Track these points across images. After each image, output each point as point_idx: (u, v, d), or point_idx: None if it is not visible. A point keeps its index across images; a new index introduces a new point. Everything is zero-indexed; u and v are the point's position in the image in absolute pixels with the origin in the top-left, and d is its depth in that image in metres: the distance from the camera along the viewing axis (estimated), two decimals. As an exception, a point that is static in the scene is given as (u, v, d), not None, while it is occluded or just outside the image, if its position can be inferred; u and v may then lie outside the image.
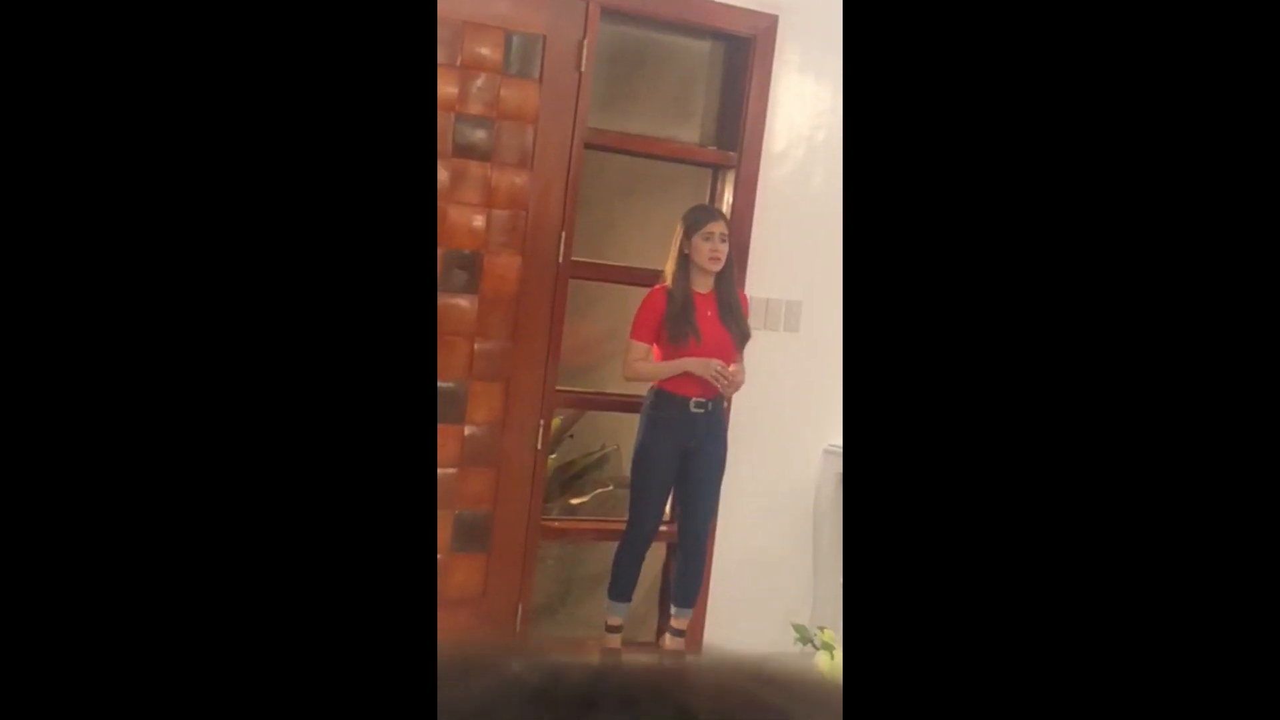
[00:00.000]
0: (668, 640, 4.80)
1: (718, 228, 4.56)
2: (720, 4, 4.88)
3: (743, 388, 4.90)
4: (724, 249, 4.54)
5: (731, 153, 5.04)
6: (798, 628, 4.31)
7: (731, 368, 4.56)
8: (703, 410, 4.56)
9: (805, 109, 5.11)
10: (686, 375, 4.51)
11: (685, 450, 4.58)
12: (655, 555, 4.90)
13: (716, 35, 5.02)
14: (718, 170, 5.12)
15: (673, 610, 4.78)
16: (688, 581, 4.74)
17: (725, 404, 4.70)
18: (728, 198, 5.05)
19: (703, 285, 4.59)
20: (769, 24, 4.99)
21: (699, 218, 4.58)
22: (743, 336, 4.64)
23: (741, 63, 5.03)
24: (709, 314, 4.57)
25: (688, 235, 4.54)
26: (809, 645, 4.08)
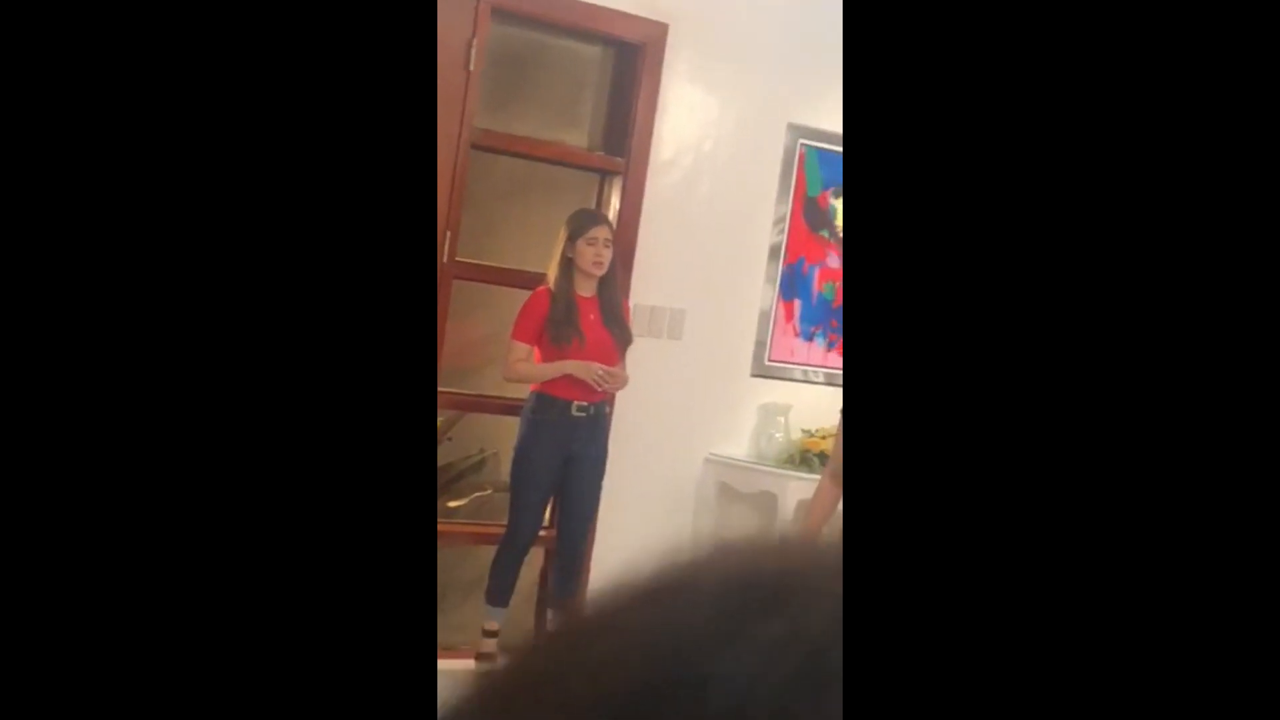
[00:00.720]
0: None
1: (602, 233, 4.56)
2: (611, 10, 4.88)
3: (626, 394, 4.90)
4: (608, 254, 4.55)
5: (619, 159, 5.04)
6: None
7: (613, 369, 4.56)
8: (584, 414, 4.55)
9: (693, 118, 5.14)
10: (568, 378, 4.50)
11: (566, 454, 4.56)
12: (534, 560, 4.88)
13: (607, 41, 5.03)
14: (605, 176, 5.12)
15: (549, 616, 4.76)
16: (565, 586, 4.72)
17: (607, 408, 4.70)
18: (614, 203, 5.05)
19: (586, 289, 4.58)
20: (659, 32, 5.01)
21: (583, 222, 4.57)
22: (625, 340, 4.64)
23: (631, 69, 5.04)
24: (592, 317, 4.57)
25: (571, 239, 4.54)
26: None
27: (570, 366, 4.49)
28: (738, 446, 5.33)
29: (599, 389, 4.53)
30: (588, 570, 4.97)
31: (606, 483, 4.99)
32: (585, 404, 4.54)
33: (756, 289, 5.34)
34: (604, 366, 4.52)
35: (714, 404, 5.29)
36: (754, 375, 5.38)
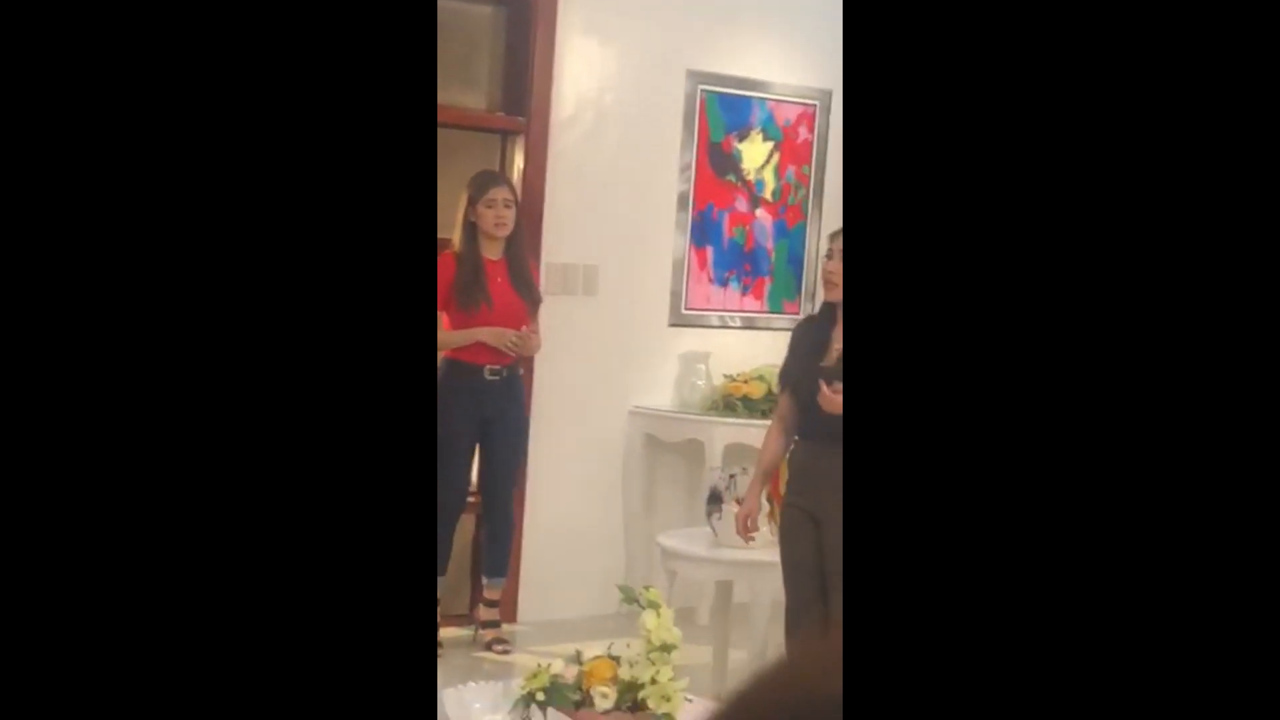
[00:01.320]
0: (481, 611, 4.78)
1: (501, 194, 4.53)
2: (500, -32, 4.83)
3: (545, 354, 4.88)
4: (509, 214, 4.52)
5: (519, 118, 5.00)
6: (623, 589, 4.32)
7: (525, 330, 4.54)
8: (497, 377, 4.53)
9: (592, 71, 5.10)
10: (479, 343, 4.48)
11: (483, 418, 4.55)
12: (466, 527, 4.87)
13: (498, 0, 4.97)
14: (506, 136, 5.08)
15: (484, 581, 4.76)
16: (496, 551, 4.72)
17: (521, 371, 4.68)
18: (518, 164, 5.02)
19: (492, 252, 4.56)
20: (550, -13, 4.96)
21: (482, 183, 4.54)
22: (534, 301, 4.63)
23: (525, 26, 4.99)
24: (500, 280, 4.55)
25: (472, 203, 4.51)
26: (635, 605, 4.11)
27: (482, 334, 4.47)
28: (661, 397, 5.34)
29: (511, 354, 4.52)
30: (519, 535, 4.97)
31: (533, 444, 4.98)
32: (498, 367, 4.52)
33: (667, 238, 5.34)
34: (515, 332, 4.50)
35: (634, 356, 5.30)
36: (672, 325, 5.38)
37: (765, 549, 3.96)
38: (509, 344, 4.48)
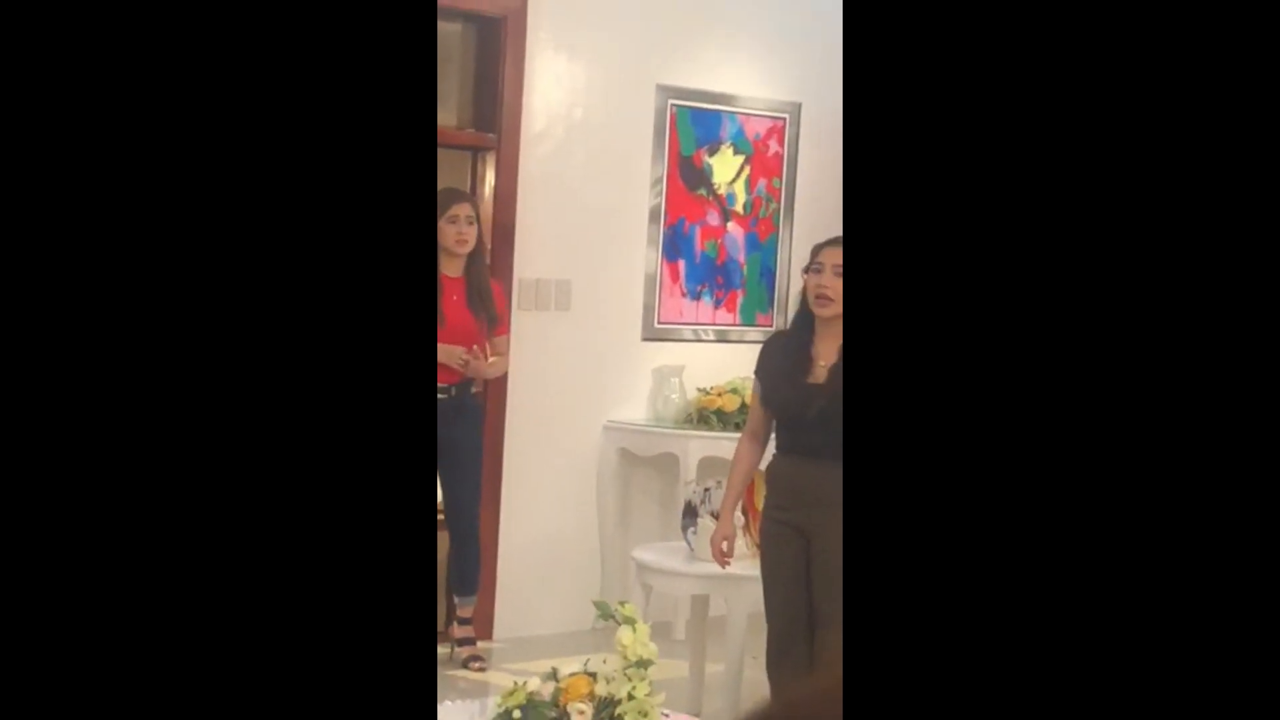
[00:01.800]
0: (455, 629, 4.76)
1: (463, 210, 4.51)
2: (468, -15, 4.83)
3: (519, 369, 4.87)
4: (471, 231, 4.51)
5: (490, 135, 5.00)
6: (599, 604, 4.32)
7: (476, 349, 4.53)
8: (446, 395, 4.49)
9: (562, 87, 5.11)
10: None
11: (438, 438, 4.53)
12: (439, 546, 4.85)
13: (467, 17, 4.98)
14: (477, 152, 5.08)
15: (455, 600, 4.75)
16: (464, 569, 4.70)
17: (475, 388, 4.65)
18: (489, 180, 5.02)
19: (452, 269, 4.54)
20: (519, 4, 4.97)
21: (444, 200, 4.51)
22: (491, 320, 4.60)
23: (494, 43, 5.00)
24: (455, 298, 4.53)
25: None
26: (611, 620, 4.10)
27: None
28: (635, 411, 5.35)
29: (461, 371, 4.50)
30: (494, 551, 4.96)
31: (508, 460, 4.98)
32: (446, 385, 4.49)
33: (640, 253, 5.35)
34: (466, 350, 4.49)
35: (608, 371, 5.30)
36: (645, 339, 5.39)
37: (741, 563, 3.97)
38: (459, 362, 4.47)
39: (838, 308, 3.35)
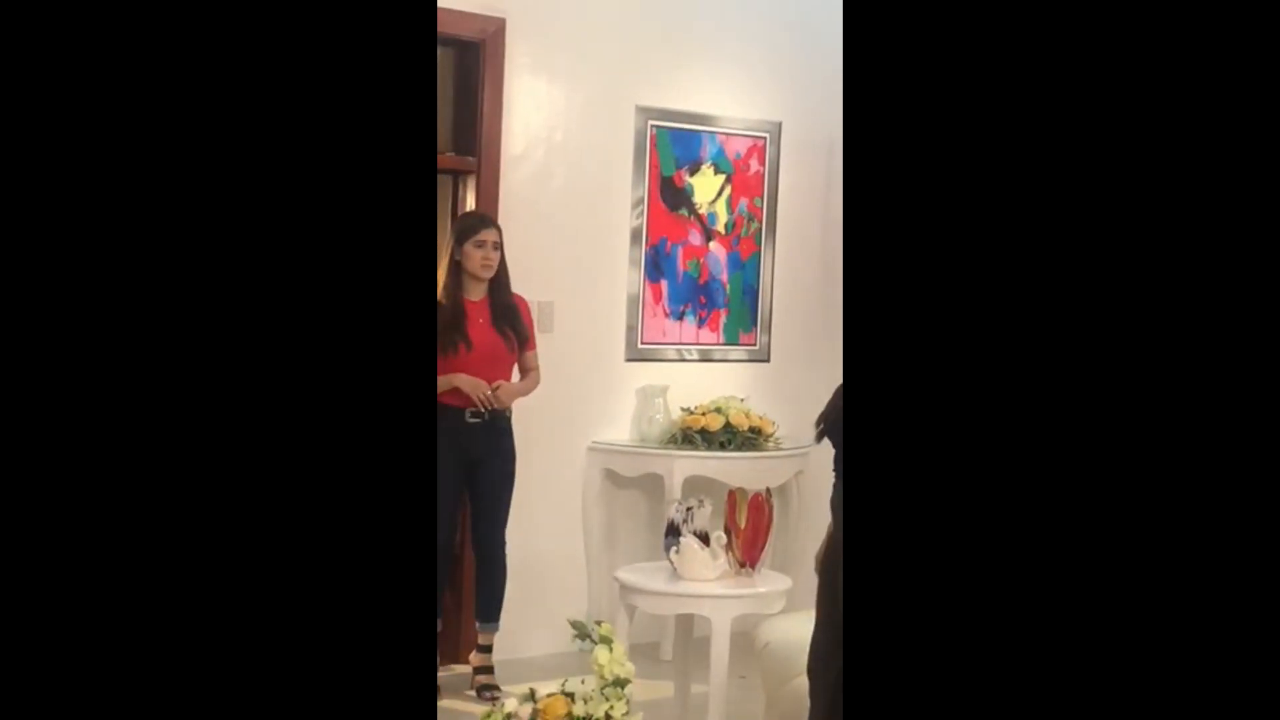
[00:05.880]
0: (475, 656, 4.74)
1: (491, 235, 4.57)
2: (446, 9, 4.84)
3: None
4: (496, 256, 4.56)
5: (470, 158, 5.01)
6: (575, 624, 4.31)
7: (501, 383, 4.55)
8: (479, 420, 4.53)
9: (541, 110, 5.13)
10: (456, 389, 4.48)
11: (468, 461, 4.54)
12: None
13: (445, 41, 4.99)
14: (457, 176, 5.09)
15: (477, 626, 4.73)
16: (488, 596, 4.69)
17: (507, 412, 4.66)
18: (470, 203, 5.03)
19: (475, 293, 4.58)
20: (497, 27, 4.99)
21: (471, 225, 4.57)
22: (521, 338, 4.64)
23: (473, 67, 5.01)
24: (480, 321, 4.56)
25: (459, 243, 4.53)
26: (588, 640, 4.10)
27: (459, 380, 4.48)
28: (619, 431, 5.35)
29: (485, 406, 4.52)
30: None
31: (492, 482, 4.96)
32: (479, 410, 4.52)
33: (622, 274, 5.36)
34: (489, 387, 4.50)
35: (591, 392, 5.30)
36: (628, 360, 5.39)
37: (724, 581, 3.97)
38: (482, 397, 4.49)
39: None
